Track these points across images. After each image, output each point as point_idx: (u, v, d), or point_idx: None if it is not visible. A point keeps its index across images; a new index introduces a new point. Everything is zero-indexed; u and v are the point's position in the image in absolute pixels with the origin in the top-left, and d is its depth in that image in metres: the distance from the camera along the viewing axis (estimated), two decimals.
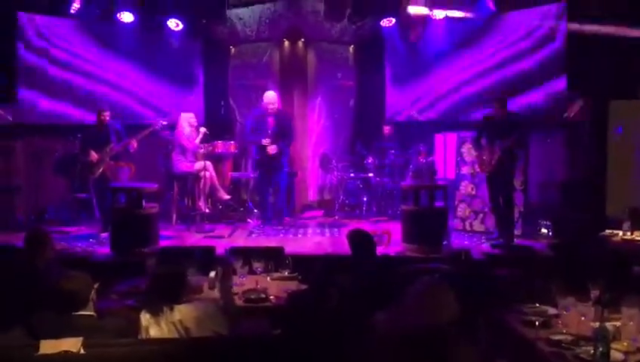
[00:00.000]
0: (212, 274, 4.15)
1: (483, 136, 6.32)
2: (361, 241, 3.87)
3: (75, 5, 7.55)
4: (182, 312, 3.02)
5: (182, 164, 7.47)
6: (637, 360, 2.55)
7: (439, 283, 2.77)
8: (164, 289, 3.08)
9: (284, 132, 7.43)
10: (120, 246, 5.76)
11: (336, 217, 8.12)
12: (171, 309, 3.01)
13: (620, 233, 6.19)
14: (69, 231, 6.98)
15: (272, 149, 7.32)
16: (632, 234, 5.98)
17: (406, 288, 2.74)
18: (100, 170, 6.84)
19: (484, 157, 6.27)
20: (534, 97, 7.37)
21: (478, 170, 6.66)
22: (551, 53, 7.21)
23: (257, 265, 4.37)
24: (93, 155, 6.82)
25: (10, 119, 7.58)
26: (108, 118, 6.96)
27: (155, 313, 2.99)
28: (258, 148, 7.49)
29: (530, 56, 7.46)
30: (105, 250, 5.95)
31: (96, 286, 3.09)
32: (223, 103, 9.18)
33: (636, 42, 6.00)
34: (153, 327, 2.97)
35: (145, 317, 3.00)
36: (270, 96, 7.52)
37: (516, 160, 6.31)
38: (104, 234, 6.63)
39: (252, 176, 8.36)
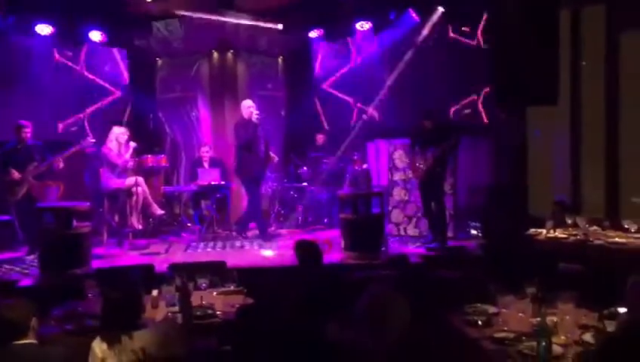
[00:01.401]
0: (154, 292, 4.06)
1: (416, 144, 6.54)
2: (309, 252, 3.90)
3: None
4: (142, 338, 2.84)
5: (112, 181, 7.23)
6: (575, 352, 2.71)
7: (388, 291, 2.85)
8: (120, 315, 2.89)
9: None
10: (50, 268, 5.49)
11: (273, 228, 8.10)
12: (130, 337, 2.82)
13: (544, 231, 6.57)
14: None
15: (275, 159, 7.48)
16: (554, 231, 6.36)
17: (355, 297, 2.80)
18: (24, 190, 6.51)
19: (417, 164, 6.49)
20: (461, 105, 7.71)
21: (410, 176, 6.88)
22: (474, 62, 7.56)
23: (202, 281, 4.31)
24: (15, 175, 6.48)
25: None
26: (29, 135, 6.64)
27: (112, 342, 2.79)
28: (249, 159, 7.25)
29: (454, 66, 7.78)
30: (33, 274, 5.66)
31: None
32: (151, 116, 8.98)
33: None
34: (111, 359, 2.77)
35: (100, 348, 2.79)
36: (253, 104, 7.34)
37: (446, 166, 6.58)
38: (30, 257, 6.33)
39: (186, 189, 8.22)
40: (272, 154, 7.57)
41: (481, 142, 7.57)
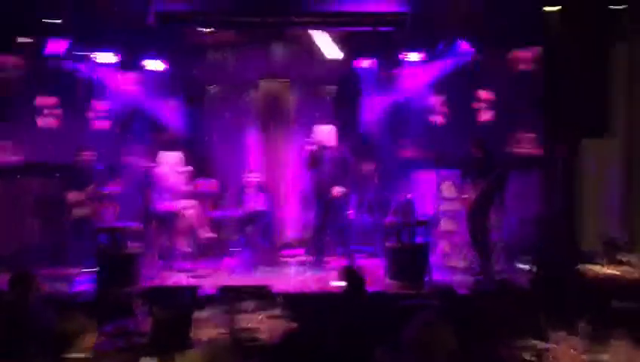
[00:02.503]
0: (201, 313, 4.14)
1: (467, 175, 6.51)
2: (354, 279, 3.91)
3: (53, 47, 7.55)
4: (195, 358, 2.86)
5: (163, 203, 7.45)
6: None
7: (435, 319, 2.84)
8: (170, 334, 2.97)
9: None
10: (103, 286, 5.68)
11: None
12: (183, 356, 2.86)
13: (596, 268, 6.39)
14: (47, 273, 6.81)
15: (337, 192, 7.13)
16: (607, 268, 6.17)
17: (402, 324, 2.80)
18: (81, 211, 6.78)
19: (466, 195, 6.45)
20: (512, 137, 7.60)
21: (458, 206, 6.83)
22: (527, 95, 7.47)
23: (247, 304, 4.37)
24: (73, 196, 6.76)
25: None
26: (88, 158, 6.93)
27: (165, 360, 2.85)
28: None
29: (506, 98, 7.71)
30: (86, 291, 5.85)
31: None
32: (203, 142, 9.25)
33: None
34: None
35: None
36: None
37: (493, 197, 6.50)
38: (83, 276, 6.54)
39: (233, 214, 8.36)
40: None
41: (532, 173, 7.44)
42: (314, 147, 7.17)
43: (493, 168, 6.25)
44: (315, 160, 7.19)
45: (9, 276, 3.94)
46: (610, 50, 6.45)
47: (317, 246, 7.43)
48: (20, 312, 3.62)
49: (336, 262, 7.31)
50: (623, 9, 6.38)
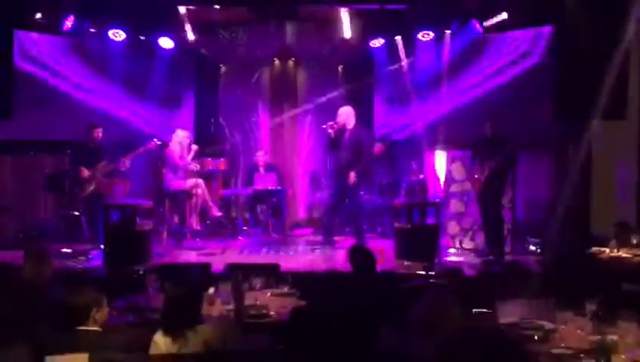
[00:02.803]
0: (211, 290, 4.17)
1: (476, 155, 6.48)
2: (363, 258, 3.93)
3: (68, 23, 7.55)
4: (205, 333, 2.96)
5: (174, 182, 7.49)
6: None
7: (443, 298, 2.85)
8: (181, 311, 3.00)
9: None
10: (114, 263, 5.74)
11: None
12: (194, 331, 2.93)
13: (607, 250, 6.35)
14: (59, 249, 6.89)
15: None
16: (618, 251, 6.13)
17: (409, 303, 2.82)
18: (92, 187, 6.84)
19: (475, 176, 6.42)
20: (523, 118, 7.53)
21: (469, 187, 6.81)
22: (539, 74, 7.38)
23: (256, 281, 4.40)
24: (84, 172, 6.82)
25: None
26: (100, 135, 6.97)
27: (176, 336, 2.90)
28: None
29: (517, 76, 7.63)
30: (97, 266, 5.92)
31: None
32: (213, 121, 9.27)
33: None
34: (175, 351, 2.88)
35: (164, 341, 2.91)
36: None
37: (505, 178, 6.46)
38: (95, 251, 6.62)
39: (243, 192, 8.40)
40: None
41: (543, 155, 7.39)
42: (334, 129, 6.96)
43: (503, 148, 6.20)
44: (335, 142, 7.02)
45: (23, 251, 3.97)
46: (624, 29, 6.32)
47: (327, 227, 7.40)
48: (35, 287, 3.67)
49: (346, 242, 7.32)
50: None
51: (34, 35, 7.68)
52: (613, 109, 6.41)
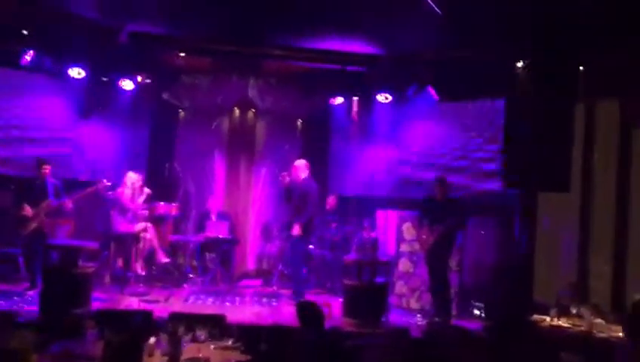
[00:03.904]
0: (152, 340, 4.04)
1: (424, 216, 6.61)
2: (311, 313, 3.89)
3: (27, 57, 7.45)
4: None
5: (122, 225, 7.31)
6: None
7: (389, 359, 2.85)
8: (124, 360, 2.91)
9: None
10: (50, 305, 5.48)
11: (275, 287, 8.05)
12: None
13: (548, 319, 6.50)
14: None
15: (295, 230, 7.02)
16: (558, 320, 6.28)
17: None
18: (34, 225, 6.58)
19: (424, 237, 6.53)
20: (472, 184, 7.78)
21: (418, 248, 6.91)
22: (489, 143, 7.70)
23: (200, 333, 4.29)
24: (27, 210, 6.58)
25: None
26: (48, 172, 6.78)
27: None
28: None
29: (468, 143, 7.93)
30: (32, 309, 5.64)
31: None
32: (167, 165, 9.16)
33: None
34: None
35: None
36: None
37: (453, 242, 6.60)
38: (31, 292, 6.34)
39: (193, 239, 8.25)
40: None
41: (491, 221, 7.60)
42: (286, 180, 7.16)
43: (453, 213, 6.36)
44: (287, 194, 7.21)
45: None
46: (571, 108, 6.71)
47: (277, 279, 7.39)
48: None
49: (293, 295, 7.26)
50: (582, 70, 6.68)
51: None
52: (558, 181, 6.70)
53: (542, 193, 7.09)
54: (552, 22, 6.08)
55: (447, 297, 6.50)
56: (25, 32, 7.17)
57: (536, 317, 6.56)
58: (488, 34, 6.58)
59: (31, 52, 7.44)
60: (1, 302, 5.95)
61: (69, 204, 6.72)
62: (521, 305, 6.81)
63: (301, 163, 7.37)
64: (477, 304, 6.88)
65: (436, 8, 5.95)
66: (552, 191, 6.87)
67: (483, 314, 6.78)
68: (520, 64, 6.64)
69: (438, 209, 6.50)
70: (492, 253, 7.64)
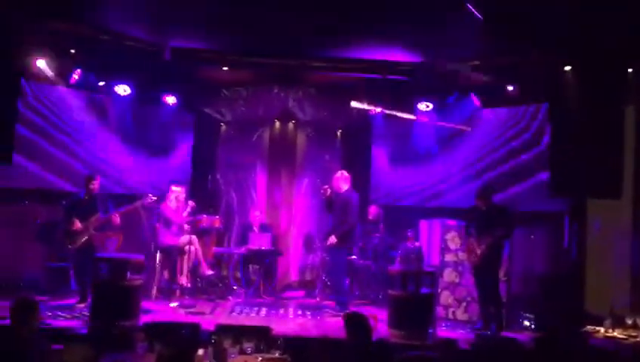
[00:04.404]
0: (200, 352, 4.08)
1: (471, 226, 6.48)
2: (359, 325, 3.85)
3: (75, 76, 7.70)
4: None
5: (167, 237, 7.43)
6: None
7: None
8: None
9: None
10: (101, 318, 5.59)
11: (318, 298, 8.03)
12: None
13: (602, 329, 6.29)
14: (44, 301, 6.74)
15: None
16: (613, 331, 6.07)
17: None
18: (83, 239, 6.74)
19: (471, 247, 6.40)
20: (518, 192, 7.61)
21: (463, 257, 6.79)
22: (535, 151, 7.53)
23: (248, 345, 4.30)
24: (77, 224, 6.73)
25: None
26: (97, 187, 6.94)
27: None
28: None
29: (514, 152, 7.78)
30: (82, 322, 5.77)
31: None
32: (210, 178, 9.31)
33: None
34: None
35: None
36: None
37: (502, 252, 6.44)
38: (81, 306, 6.48)
39: (236, 251, 8.33)
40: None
41: (539, 229, 7.41)
42: (327, 192, 7.16)
43: (500, 222, 6.22)
44: (329, 205, 7.22)
45: (11, 302, 3.85)
46: (621, 111, 6.51)
47: (320, 290, 7.39)
48: (20, 341, 3.54)
49: (336, 306, 7.23)
50: (633, 72, 6.48)
51: (40, 85, 7.77)
52: (608, 187, 6.50)
53: (592, 200, 6.88)
54: (598, 24, 5.92)
55: (498, 309, 6.33)
56: (73, 51, 7.40)
57: (588, 327, 6.36)
58: (531, 38, 6.44)
59: (78, 70, 7.69)
60: (53, 315, 6.09)
61: (117, 218, 6.86)
62: (573, 316, 6.60)
63: (342, 174, 7.35)
64: (526, 315, 6.69)
65: (477, 14, 5.87)
66: (602, 197, 6.67)
67: (533, 325, 6.59)
68: (567, 68, 6.47)
69: (484, 218, 6.36)
70: (541, 261, 7.45)
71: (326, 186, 7.27)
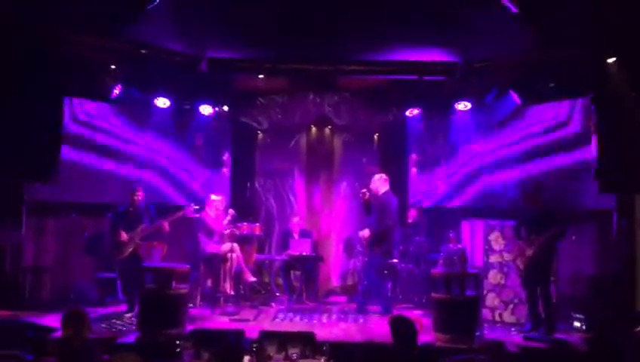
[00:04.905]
0: (246, 359, 4.10)
1: (522, 228, 6.35)
2: (405, 329, 3.81)
3: (116, 91, 7.88)
4: None
5: (209, 246, 7.53)
6: None
7: None
8: None
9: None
10: (147, 327, 5.70)
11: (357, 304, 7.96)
12: None
13: None
14: (93, 311, 6.89)
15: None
16: None
17: None
18: (130, 250, 6.88)
19: (521, 249, 6.28)
20: (564, 189, 7.39)
21: (509, 259, 6.68)
22: (580, 147, 7.30)
23: (293, 351, 4.30)
24: (123, 236, 6.88)
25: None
26: (141, 198, 7.08)
27: None
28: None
29: (556, 147, 7.57)
30: (131, 331, 5.89)
31: None
32: (249, 186, 9.39)
33: None
34: None
35: None
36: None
37: (554, 254, 6.27)
38: (128, 315, 6.62)
39: (277, 258, 8.37)
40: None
41: (586, 228, 7.20)
42: (365, 195, 7.20)
43: (551, 223, 6.06)
44: (368, 208, 7.25)
45: (62, 314, 3.95)
46: None
47: (362, 295, 7.37)
48: (73, 352, 3.63)
49: (380, 311, 7.18)
50: None
51: (82, 101, 7.97)
52: None
53: None
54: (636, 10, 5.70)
55: (550, 311, 6.16)
56: (113, 67, 7.58)
57: None
58: (571, 31, 6.26)
59: (119, 86, 7.87)
60: (102, 325, 6.23)
61: (165, 225, 6.98)
62: (625, 315, 6.37)
63: (379, 177, 7.36)
64: (576, 315, 6.51)
65: (511, 5, 5.74)
66: None
67: (584, 326, 6.40)
68: (611, 60, 6.26)
69: (535, 219, 6.22)
70: (589, 260, 7.23)
71: (364, 190, 7.30)
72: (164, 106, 8.43)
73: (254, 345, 4.34)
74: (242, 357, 4.00)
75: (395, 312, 6.58)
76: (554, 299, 6.48)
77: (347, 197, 9.27)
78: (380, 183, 7.29)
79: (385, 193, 7.23)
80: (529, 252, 6.17)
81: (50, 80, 7.04)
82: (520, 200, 6.45)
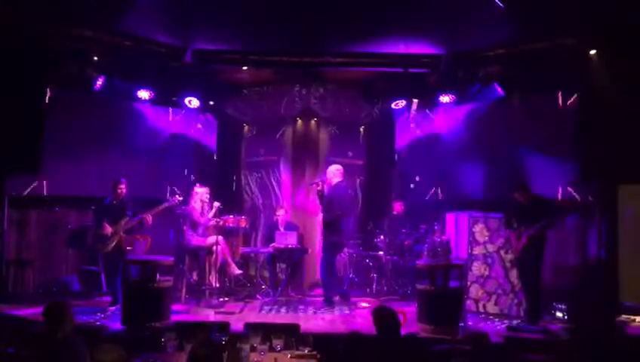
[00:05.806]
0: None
1: (513, 219, 6.39)
2: (388, 320, 3.83)
3: (99, 82, 7.79)
4: None
5: (194, 239, 7.50)
6: None
7: None
8: None
9: None
10: (131, 319, 5.68)
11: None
12: None
13: (637, 319, 6.15)
14: (77, 304, 6.86)
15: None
16: None
17: None
18: (114, 243, 6.84)
19: (512, 240, 6.34)
20: (547, 182, 7.46)
21: (492, 249, 6.73)
22: (562, 138, 7.37)
23: (277, 342, 4.29)
24: (107, 228, 6.83)
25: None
26: (124, 190, 7.03)
27: None
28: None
29: (541, 140, 7.63)
30: (114, 324, 5.86)
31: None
32: (234, 178, 9.36)
33: None
34: None
35: None
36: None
37: (544, 244, 6.32)
38: (112, 308, 6.58)
39: (262, 250, 8.36)
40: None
41: (569, 219, 7.27)
42: (318, 186, 7.34)
43: (541, 214, 6.11)
44: (322, 197, 7.35)
45: (44, 306, 3.92)
46: None
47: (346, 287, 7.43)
48: (54, 343, 3.61)
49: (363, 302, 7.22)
50: None
51: (66, 92, 7.88)
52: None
53: (624, 186, 6.72)
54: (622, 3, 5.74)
55: (536, 301, 6.23)
56: (96, 58, 7.50)
57: (624, 317, 6.23)
58: (553, 22, 6.30)
59: (102, 77, 7.78)
60: (86, 318, 6.19)
61: (149, 218, 6.94)
62: (607, 306, 6.46)
63: (335, 168, 7.48)
64: (559, 306, 6.58)
65: (498, 2, 5.76)
66: (633, 182, 6.51)
67: (566, 316, 6.48)
68: (593, 52, 6.31)
69: (526, 211, 6.26)
70: (572, 251, 7.31)
71: (317, 180, 7.43)
72: (148, 98, 8.35)
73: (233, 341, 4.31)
74: (225, 350, 3.98)
75: (376, 304, 6.60)
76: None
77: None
78: (333, 174, 7.40)
79: (336, 184, 7.33)
80: (519, 244, 6.23)
81: (33, 71, 6.95)
82: (508, 192, 6.48)
